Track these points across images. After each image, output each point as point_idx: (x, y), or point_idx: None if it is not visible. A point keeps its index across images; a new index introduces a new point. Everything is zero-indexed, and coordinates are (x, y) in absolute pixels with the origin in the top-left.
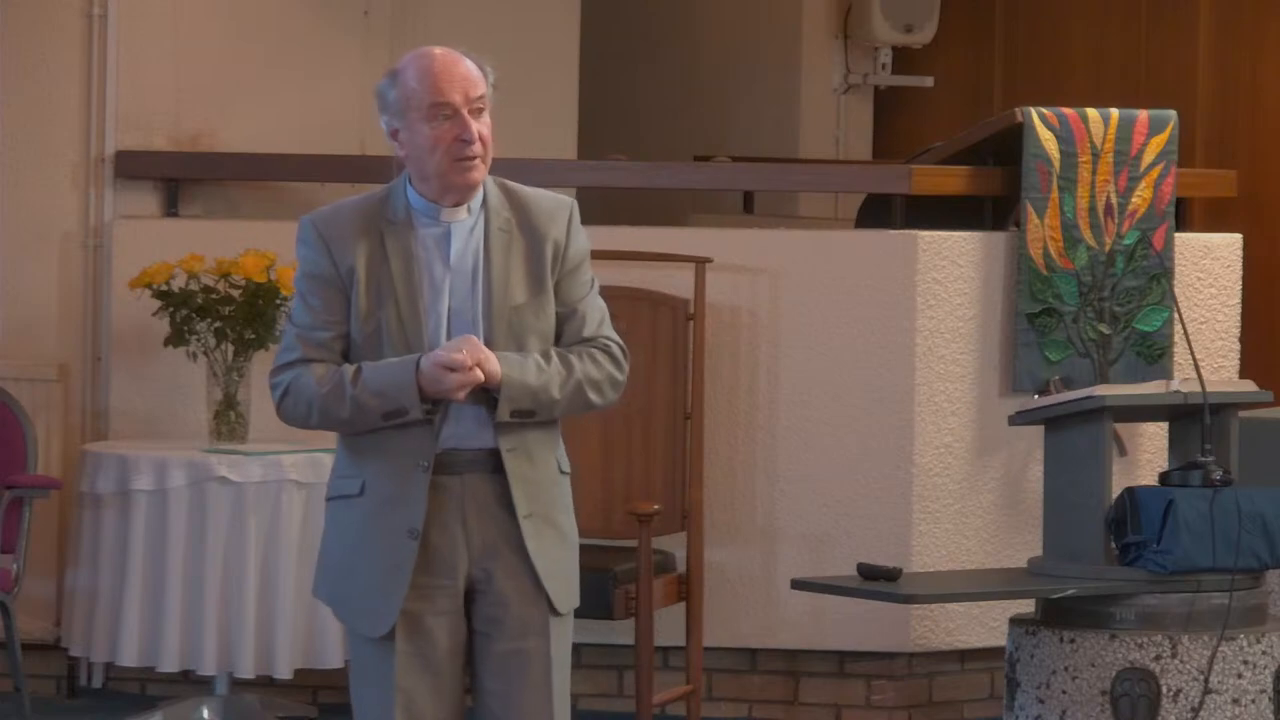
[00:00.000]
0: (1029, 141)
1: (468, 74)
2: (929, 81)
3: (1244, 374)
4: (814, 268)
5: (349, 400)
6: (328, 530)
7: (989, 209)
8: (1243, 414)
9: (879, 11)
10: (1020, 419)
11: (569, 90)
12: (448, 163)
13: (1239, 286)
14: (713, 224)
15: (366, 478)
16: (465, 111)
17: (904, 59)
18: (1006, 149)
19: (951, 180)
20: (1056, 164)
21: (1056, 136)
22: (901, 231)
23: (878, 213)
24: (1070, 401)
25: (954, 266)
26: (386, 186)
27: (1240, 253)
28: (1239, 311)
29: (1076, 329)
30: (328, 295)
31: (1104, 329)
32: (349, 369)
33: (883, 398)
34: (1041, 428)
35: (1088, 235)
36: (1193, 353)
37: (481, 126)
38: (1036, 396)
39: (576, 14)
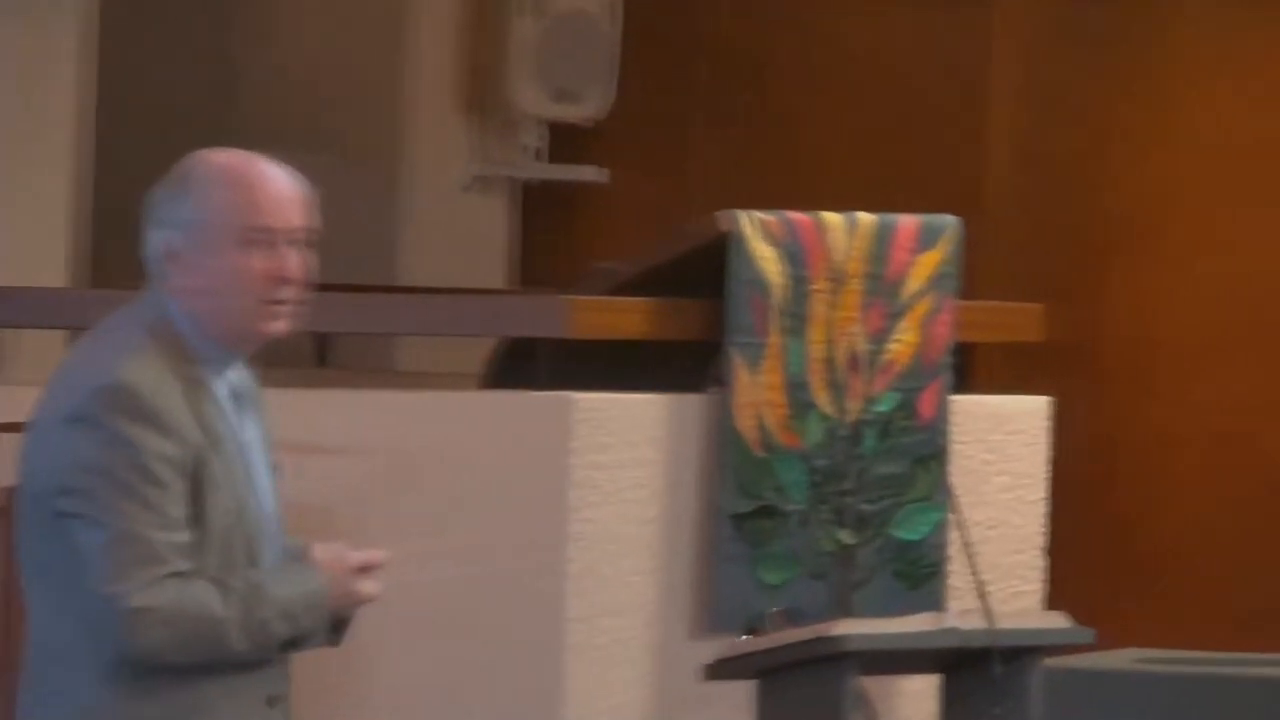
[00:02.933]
0: (738, 261)
1: (295, 195)
2: (602, 175)
3: (1053, 602)
4: (419, 449)
5: (257, 626)
6: None
7: (681, 360)
8: (1050, 661)
9: (526, 73)
10: (722, 670)
11: None
12: (254, 304)
13: (1045, 473)
14: (272, 382)
15: None
16: (284, 243)
17: (566, 141)
18: (711, 273)
19: (627, 318)
20: (779, 294)
21: (780, 253)
22: (551, 394)
23: (519, 365)
24: (797, 645)
25: (626, 446)
26: (156, 327)
27: (1048, 422)
28: (1045, 509)
29: (806, 537)
30: (178, 486)
31: (846, 537)
32: (241, 585)
33: (521, 641)
34: (754, 683)
35: (823, 399)
36: (976, 573)
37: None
38: (746, 637)
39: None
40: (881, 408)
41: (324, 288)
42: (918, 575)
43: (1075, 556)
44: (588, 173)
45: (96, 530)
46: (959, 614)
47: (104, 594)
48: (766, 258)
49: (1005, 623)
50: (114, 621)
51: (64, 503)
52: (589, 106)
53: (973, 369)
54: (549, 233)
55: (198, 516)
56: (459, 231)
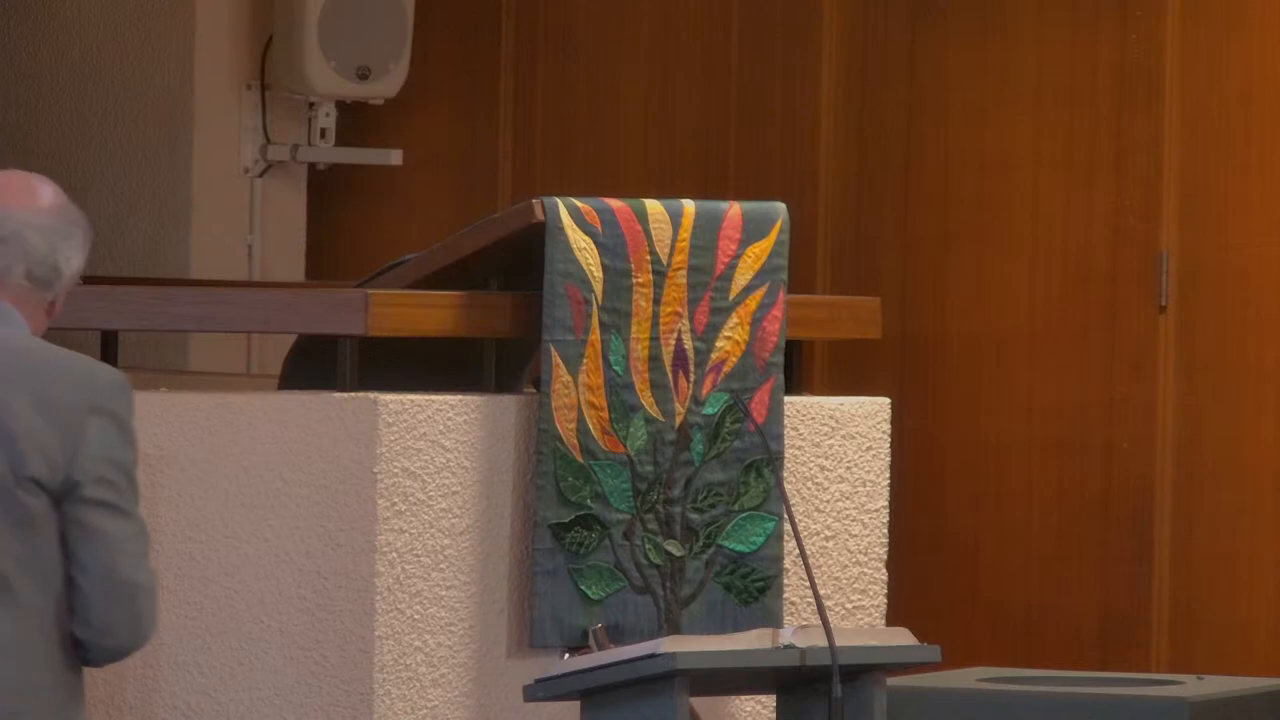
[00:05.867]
0: (554, 251)
1: None
2: (396, 157)
3: (895, 618)
4: (213, 453)
5: None
6: None
7: (492, 358)
8: (893, 681)
9: (314, 47)
10: (542, 690)
11: None
12: None
13: (887, 479)
14: None
15: None
16: None
17: (357, 121)
18: (523, 264)
19: (432, 314)
20: (597, 287)
21: (598, 243)
22: (355, 395)
23: (317, 364)
24: (623, 663)
25: (436, 450)
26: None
27: (888, 426)
28: (886, 517)
29: (630, 549)
30: None
31: (674, 549)
32: None
33: (326, 660)
34: (577, 704)
35: (647, 401)
36: (814, 585)
37: None
38: (567, 655)
39: None
40: (710, 410)
41: (103, 281)
42: (750, 589)
43: (910, 569)
44: (381, 155)
45: (123, 520)
46: (796, 630)
47: (140, 581)
48: (584, 248)
49: (846, 640)
50: (143, 605)
51: (93, 490)
52: (383, 83)
53: (809, 365)
54: (339, 221)
55: None
56: (245, 218)
